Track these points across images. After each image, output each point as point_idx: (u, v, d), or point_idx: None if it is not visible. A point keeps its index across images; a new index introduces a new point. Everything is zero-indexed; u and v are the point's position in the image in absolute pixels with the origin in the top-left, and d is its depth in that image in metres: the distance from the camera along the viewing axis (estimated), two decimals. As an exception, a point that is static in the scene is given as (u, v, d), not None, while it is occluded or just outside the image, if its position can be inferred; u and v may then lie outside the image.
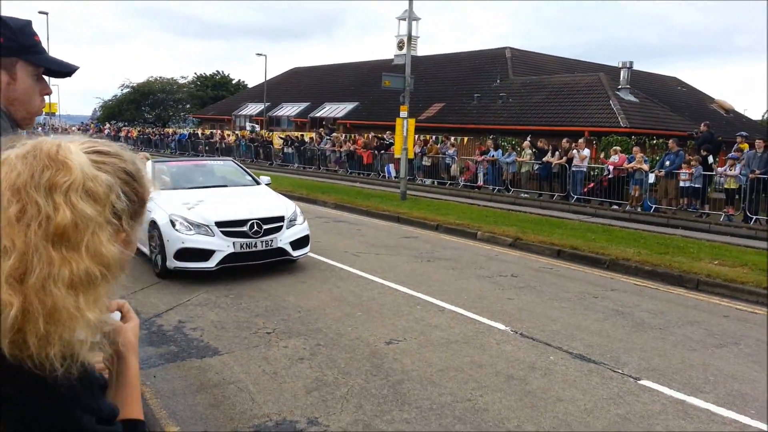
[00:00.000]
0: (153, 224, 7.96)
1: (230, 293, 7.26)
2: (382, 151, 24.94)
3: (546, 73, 31.06)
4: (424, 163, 23.21)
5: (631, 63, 25.82)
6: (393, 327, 6.12)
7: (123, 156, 1.01)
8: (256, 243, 7.99)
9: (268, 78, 44.80)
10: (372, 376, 4.88)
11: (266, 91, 42.18)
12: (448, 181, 22.05)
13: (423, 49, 39.61)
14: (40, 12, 37.92)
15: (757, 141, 14.64)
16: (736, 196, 14.77)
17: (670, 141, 16.63)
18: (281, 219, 8.38)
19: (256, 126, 40.33)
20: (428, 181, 22.77)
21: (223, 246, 7.76)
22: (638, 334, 6.15)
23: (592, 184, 17.59)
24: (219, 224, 7.85)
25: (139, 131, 49.50)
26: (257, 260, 8.08)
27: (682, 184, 15.52)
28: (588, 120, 23.72)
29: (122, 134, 48.95)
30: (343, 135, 30.62)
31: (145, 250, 8.41)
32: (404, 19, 18.06)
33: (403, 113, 17.51)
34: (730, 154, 15.37)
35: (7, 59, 1.62)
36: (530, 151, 19.43)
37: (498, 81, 30.63)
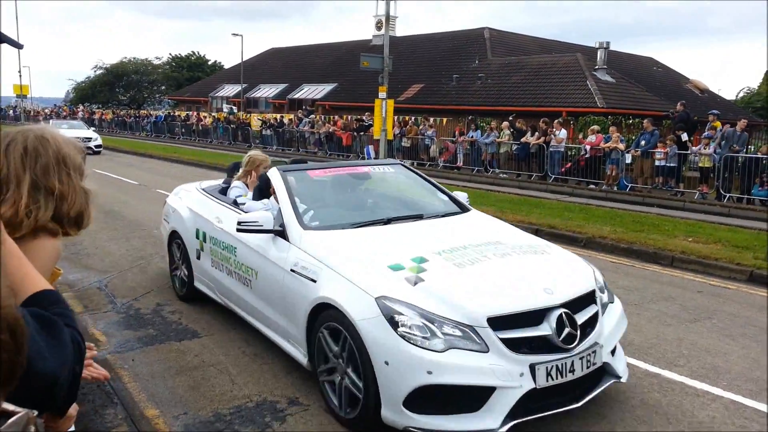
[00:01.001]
0: (338, 321, 3.73)
1: (209, 276, 7.20)
2: (361, 133, 24.84)
3: (524, 54, 31.10)
4: (403, 144, 23.18)
5: (608, 43, 25.99)
6: (373, 307, 6.12)
7: None
8: (573, 363, 3.60)
9: (244, 59, 44.18)
10: (352, 355, 4.89)
11: (243, 72, 41.61)
12: (428, 162, 22.07)
13: (401, 30, 39.35)
14: (7, -9, 36.78)
15: (740, 121, 14.90)
16: (710, 175, 15.03)
17: (645, 120, 16.80)
18: (591, 297, 4.07)
19: (234, 108, 39.85)
20: (408, 162, 22.74)
21: (510, 375, 3.42)
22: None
23: (569, 164, 17.74)
24: (496, 322, 3.50)
25: (113, 113, 48.58)
26: (574, 402, 3.66)
27: (657, 163, 15.73)
28: (566, 100, 23.86)
29: (96, 116, 48.02)
30: (322, 116, 30.40)
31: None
32: (382, -1, 17.91)
33: (382, 94, 17.44)
34: (704, 134, 15.60)
35: None
36: (509, 132, 19.50)
37: (477, 62, 30.60)
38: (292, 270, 4.21)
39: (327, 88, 36.92)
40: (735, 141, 14.43)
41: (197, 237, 5.81)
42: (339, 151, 25.81)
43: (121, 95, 63.13)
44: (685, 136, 15.75)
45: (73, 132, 23.38)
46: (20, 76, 37.49)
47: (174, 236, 6.31)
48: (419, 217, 5.04)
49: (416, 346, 3.35)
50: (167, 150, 26.93)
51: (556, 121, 18.70)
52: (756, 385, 4.52)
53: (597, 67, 25.50)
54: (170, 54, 73.92)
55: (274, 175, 5.07)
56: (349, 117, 27.50)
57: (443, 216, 5.19)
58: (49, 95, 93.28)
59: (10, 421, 0.69)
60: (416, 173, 5.92)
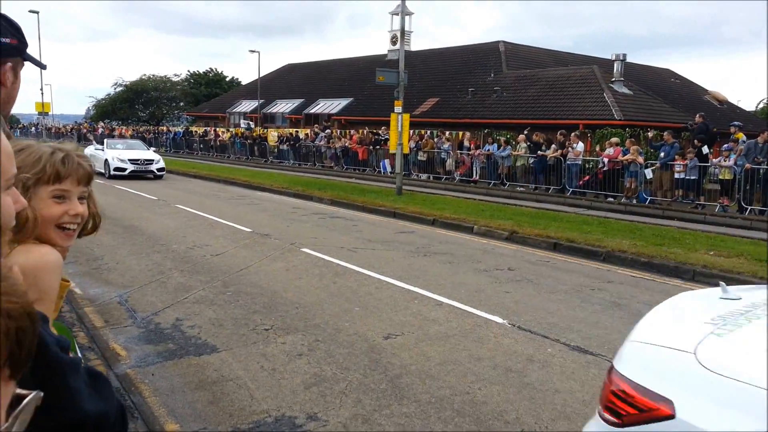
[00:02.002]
0: None
1: (227, 290, 7.24)
2: (377, 147, 24.92)
3: (539, 67, 31.07)
4: (419, 158, 23.21)
5: (625, 55, 25.85)
6: (390, 322, 6.12)
7: None
8: None
9: (261, 75, 44.68)
10: (370, 370, 4.89)
11: (260, 87, 42.04)
12: (444, 176, 22.05)
13: (416, 44, 39.54)
14: (30, 11, 37.67)
15: (764, 133, 14.70)
16: (732, 188, 14.83)
17: (665, 133, 16.66)
18: None
19: (251, 123, 40.23)
20: (424, 176, 22.76)
21: None
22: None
23: (587, 177, 17.63)
24: None
25: (133, 130, 49.27)
26: None
27: (677, 175, 15.57)
28: (582, 113, 23.75)
29: (116, 133, 48.73)
30: (338, 131, 30.56)
31: None
32: (397, 14, 18.02)
33: (398, 108, 17.49)
34: (725, 146, 15.43)
35: (15, 59, 1.66)
36: (525, 145, 19.44)
37: (492, 75, 30.62)
38: None
39: (343, 102, 37.15)
40: (758, 153, 14.25)
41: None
42: (355, 166, 25.90)
43: (140, 111, 64.01)
44: (705, 149, 15.59)
45: (131, 153, 22.37)
46: (42, 93, 38.19)
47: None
48: None
49: None
50: (186, 165, 27.23)
51: (573, 133, 18.62)
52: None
53: (614, 79, 25.37)
54: (188, 71, 74.94)
55: None
56: (365, 131, 27.61)
57: None
58: (70, 112, 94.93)
59: (24, 402, 0.71)
60: None
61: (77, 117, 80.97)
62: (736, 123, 16.85)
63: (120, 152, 22.43)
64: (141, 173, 21.68)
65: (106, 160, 21.86)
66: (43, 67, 1.93)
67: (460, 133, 25.51)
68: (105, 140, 25.03)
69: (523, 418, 4.13)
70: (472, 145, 21.76)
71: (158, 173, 22.17)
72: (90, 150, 23.00)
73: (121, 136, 47.02)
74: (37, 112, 41.41)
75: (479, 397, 4.44)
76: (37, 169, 1.46)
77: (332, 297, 7.00)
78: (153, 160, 22.30)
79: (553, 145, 18.37)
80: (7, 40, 1.61)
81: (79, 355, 1.11)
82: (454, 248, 10.16)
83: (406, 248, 10.02)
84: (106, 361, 5.00)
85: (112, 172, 21.57)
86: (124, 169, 21.57)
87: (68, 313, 5.98)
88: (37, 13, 37.62)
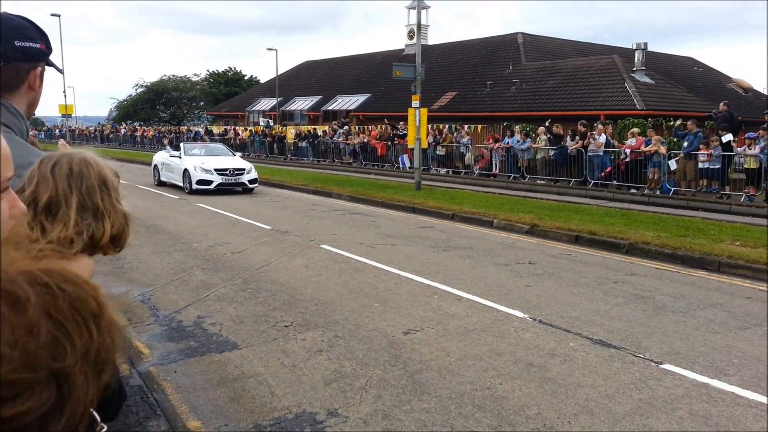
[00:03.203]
0: None
1: (248, 287, 7.29)
2: (396, 142, 24.87)
3: (559, 58, 30.72)
4: (438, 152, 23.11)
5: (646, 44, 25.44)
6: (410, 317, 6.11)
7: None
8: None
9: (279, 72, 44.87)
10: (390, 366, 4.88)
11: (278, 85, 42.24)
12: (463, 170, 21.95)
13: (433, 38, 39.35)
14: (52, 14, 38.29)
15: None
16: (758, 176, 14.51)
17: (689, 122, 16.36)
18: None
19: (271, 121, 40.48)
20: (443, 171, 22.68)
21: None
22: (659, 318, 6.07)
23: (609, 168, 17.40)
24: None
25: (154, 130, 49.86)
26: None
27: (701, 165, 15.28)
28: (603, 103, 23.44)
29: (138, 133, 49.36)
30: (356, 127, 30.58)
31: None
32: (414, 8, 17.93)
33: (415, 103, 17.44)
34: (748, 134, 15.09)
35: (40, 64, 1.69)
36: (545, 137, 19.25)
37: (511, 67, 30.36)
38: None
39: (361, 98, 37.16)
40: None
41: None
42: (374, 161, 25.89)
43: (161, 112, 64.74)
44: (728, 137, 15.27)
45: (216, 161, 17.45)
46: (65, 96, 38.81)
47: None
48: None
49: None
50: (206, 164, 27.44)
51: (597, 124, 18.37)
52: (813, 396, 4.32)
53: (635, 68, 24.98)
54: (208, 70, 75.53)
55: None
56: (384, 125, 27.58)
57: None
58: (93, 114, 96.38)
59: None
60: None
61: (100, 118, 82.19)
62: None
63: (202, 160, 17.56)
64: (230, 186, 17.08)
65: (185, 170, 17.28)
66: (61, 71, 1.96)
67: (479, 126, 25.38)
68: (182, 144, 19.80)
69: (544, 413, 4.09)
70: (488, 140, 21.62)
71: (250, 186, 17.44)
72: (162, 157, 19.42)
73: (143, 137, 47.56)
74: (60, 115, 42.10)
75: (500, 392, 4.41)
76: (104, 180, 1.51)
77: (352, 293, 7.01)
78: (244, 170, 17.43)
79: (577, 137, 18.15)
80: (38, 46, 1.64)
81: None
82: (474, 242, 10.10)
83: (425, 243, 9.99)
84: (129, 359, 5.06)
85: (195, 186, 16.81)
86: (210, 182, 16.81)
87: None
88: (59, 16, 38.20)
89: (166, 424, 3.99)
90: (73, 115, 46.89)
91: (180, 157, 18.05)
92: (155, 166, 19.72)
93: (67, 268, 0.62)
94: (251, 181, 17.43)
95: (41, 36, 1.66)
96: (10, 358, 0.52)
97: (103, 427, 0.71)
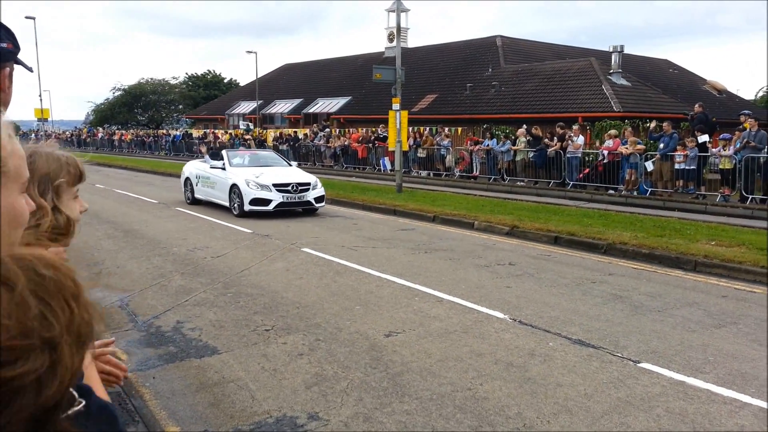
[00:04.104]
0: None
1: (228, 292, 7.24)
2: (377, 145, 24.89)
3: (537, 60, 30.99)
4: (418, 154, 23.18)
5: (622, 47, 25.75)
6: (391, 319, 6.11)
7: None
8: None
9: (259, 75, 44.63)
10: (371, 369, 4.88)
11: (258, 88, 42.01)
12: (444, 172, 22.03)
13: (413, 41, 39.46)
14: (27, 17, 37.67)
15: (749, 120, 14.69)
16: (732, 177, 14.79)
17: (665, 123, 16.61)
18: None
19: (251, 123, 40.22)
20: (424, 173, 22.75)
21: None
22: (637, 318, 6.15)
23: (587, 170, 17.59)
24: None
25: (132, 134, 49.29)
26: None
27: (677, 166, 15.52)
28: (581, 105, 23.69)
29: (116, 137, 48.74)
30: (337, 130, 30.55)
31: None
32: (393, 11, 17.97)
33: (396, 105, 17.47)
34: (722, 135, 15.36)
35: (9, 63, 1.66)
36: (525, 140, 19.40)
37: (490, 70, 30.55)
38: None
39: (341, 101, 37.11)
40: (752, 140, 14.18)
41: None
42: (355, 164, 25.88)
43: (139, 116, 64.03)
44: (704, 138, 15.53)
45: (274, 174, 13.63)
46: (41, 100, 38.20)
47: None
48: None
49: None
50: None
51: (575, 126, 18.57)
52: (786, 391, 4.41)
53: (612, 71, 25.28)
54: (187, 73, 74.91)
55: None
56: (364, 131, 27.57)
57: None
58: (69, 118, 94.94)
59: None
60: None
61: (77, 122, 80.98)
62: (746, 111, 16.76)
63: (255, 173, 13.62)
64: (292, 206, 13.40)
65: (234, 185, 13.42)
66: (30, 69, 1.93)
67: (459, 129, 25.50)
68: (225, 152, 15.20)
69: (524, 412, 4.12)
70: (467, 143, 21.73)
71: (316, 204, 13.67)
72: (198, 168, 15.33)
73: (121, 141, 46.94)
74: (36, 119, 41.43)
75: (480, 392, 4.43)
76: (65, 171, 1.49)
77: (333, 296, 6.99)
78: (309, 185, 13.63)
79: (555, 138, 18.33)
80: (5, 45, 1.61)
81: None
82: (454, 244, 10.14)
83: (406, 245, 10.01)
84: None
85: (248, 207, 13.01)
86: (268, 201, 13.05)
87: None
88: (34, 19, 37.62)
89: (144, 430, 3.95)
90: (49, 119, 46.14)
91: (224, 168, 14.06)
92: (187, 179, 15.53)
93: (46, 253, 0.71)
94: (317, 199, 13.67)
95: (8, 35, 1.63)
96: (8, 326, 0.61)
97: (81, 402, 0.77)
